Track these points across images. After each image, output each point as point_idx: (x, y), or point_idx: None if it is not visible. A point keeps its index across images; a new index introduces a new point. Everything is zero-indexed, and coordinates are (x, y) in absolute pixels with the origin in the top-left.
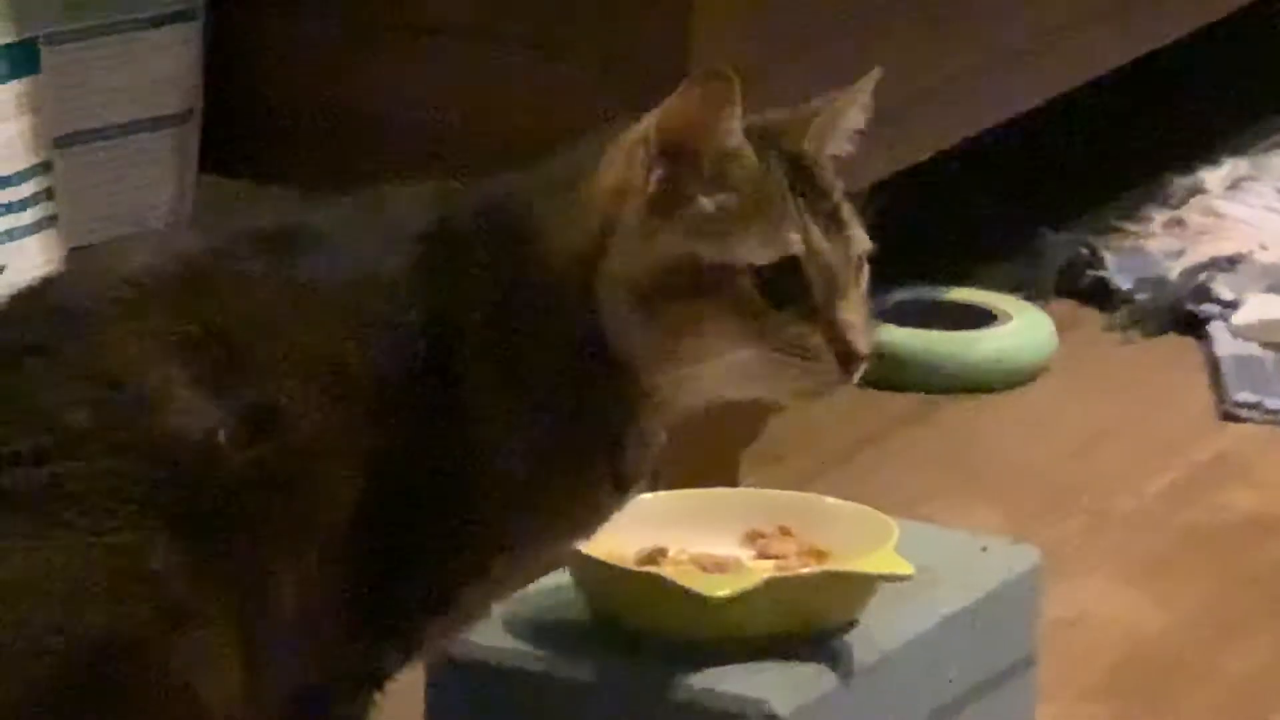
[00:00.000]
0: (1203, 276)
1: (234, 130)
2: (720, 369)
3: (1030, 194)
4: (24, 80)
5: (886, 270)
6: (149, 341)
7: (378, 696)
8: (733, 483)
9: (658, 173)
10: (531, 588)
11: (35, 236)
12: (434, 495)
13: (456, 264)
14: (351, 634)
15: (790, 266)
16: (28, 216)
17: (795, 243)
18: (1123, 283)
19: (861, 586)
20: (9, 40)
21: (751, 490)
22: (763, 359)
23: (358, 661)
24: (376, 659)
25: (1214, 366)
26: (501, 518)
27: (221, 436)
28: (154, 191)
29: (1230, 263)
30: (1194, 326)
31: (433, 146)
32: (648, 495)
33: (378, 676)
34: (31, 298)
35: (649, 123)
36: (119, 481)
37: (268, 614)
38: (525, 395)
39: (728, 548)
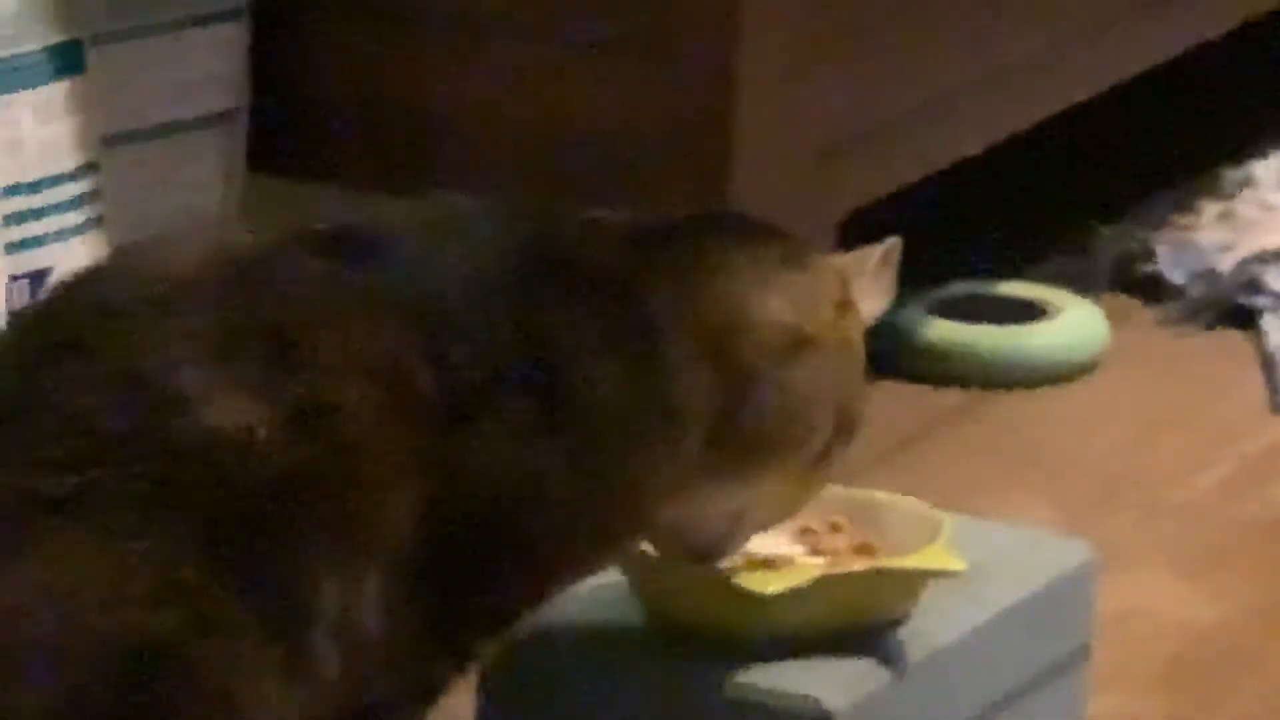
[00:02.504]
0: (1254, 269)
1: (281, 129)
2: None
3: (1081, 187)
4: (69, 80)
5: (936, 264)
6: (188, 340)
7: (431, 708)
8: None
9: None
10: (582, 585)
11: (82, 237)
12: (505, 515)
13: (557, 288)
14: (405, 650)
15: None
16: (74, 217)
17: None
18: (1174, 276)
19: (913, 582)
20: (54, 40)
21: None
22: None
23: (411, 677)
24: (430, 675)
25: (1266, 359)
26: (572, 540)
27: (262, 435)
28: (201, 191)
29: None
30: (1246, 319)
31: (483, 144)
32: None
33: (431, 692)
34: (70, 294)
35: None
36: (153, 486)
37: (312, 623)
38: (614, 419)
39: (778, 544)
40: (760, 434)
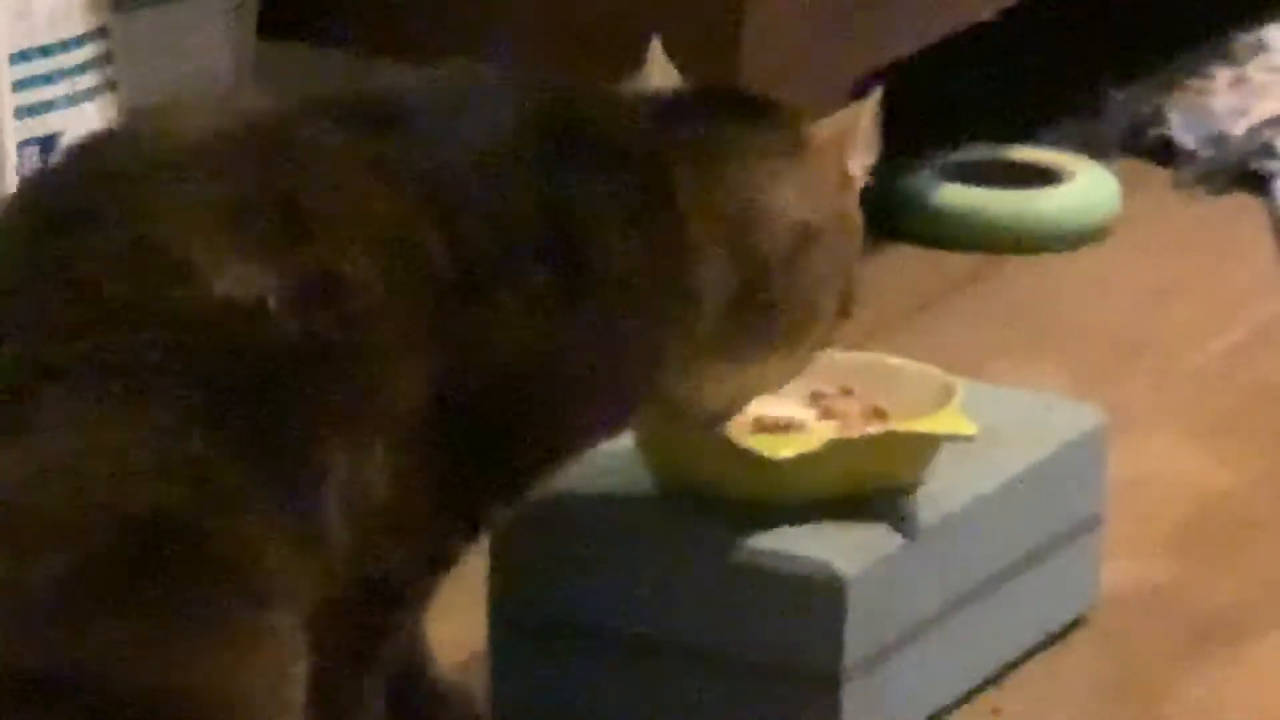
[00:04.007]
0: (1267, 134)
1: None
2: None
3: (1094, 51)
4: None
5: (949, 129)
6: (197, 207)
7: (444, 577)
8: None
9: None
10: (594, 451)
11: (92, 102)
12: (521, 385)
13: (578, 161)
14: (417, 516)
15: None
16: (84, 82)
17: None
18: (1187, 141)
19: (925, 447)
20: None
21: None
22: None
23: (423, 546)
24: (443, 541)
25: (1278, 223)
26: (587, 410)
27: (272, 303)
28: (212, 56)
29: None
30: (1258, 184)
31: (493, 9)
32: None
33: (443, 561)
34: (80, 160)
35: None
36: (162, 355)
37: (321, 493)
38: (634, 292)
39: (790, 409)
40: (769, 320)
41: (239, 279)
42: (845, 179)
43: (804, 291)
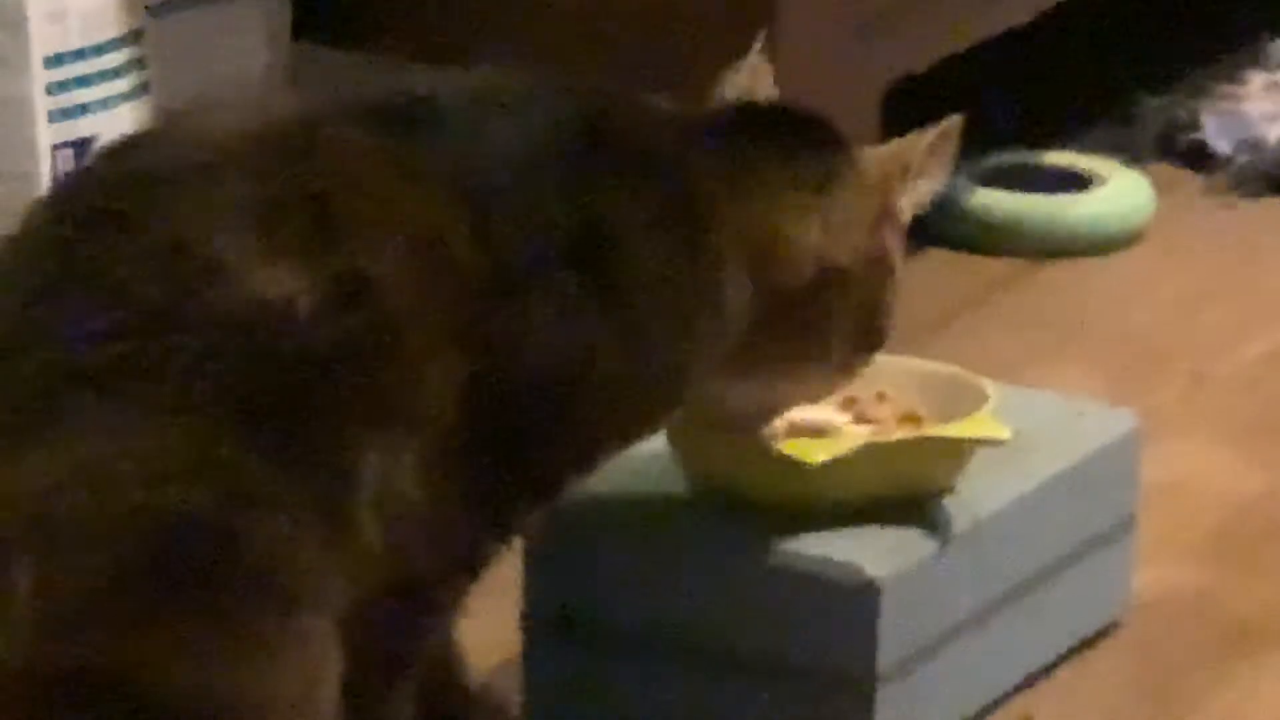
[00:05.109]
0: None
1: None
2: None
3: (1128, 57)
4: None
5: (983, 134)
6: (228, 209)
7: (475, 581)
8: None
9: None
10: (627, 455)
11: (128, 105)
12: (551, 388)
13: (609, 168)
14: (449, 520)
15: None
16: (120, 85)
17: None
18: (1221, 146)
19: (959, 451)
20: None
21: None
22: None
23: (456, 549)
24: (474, 545)
25: None
26: (616, 414)
27: (303, 305)
28: (247, 59)
29: None
30: None
31: (526, 15)
32: None
33: (476, 562)
34: (112, 162)
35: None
36: (193, 357)
37: (353, 495)
38: (662, 301)
39: (824, 413)
40: (787, 347)
41: (270, 281)
42: (887, 216)
43: (820, 324)
